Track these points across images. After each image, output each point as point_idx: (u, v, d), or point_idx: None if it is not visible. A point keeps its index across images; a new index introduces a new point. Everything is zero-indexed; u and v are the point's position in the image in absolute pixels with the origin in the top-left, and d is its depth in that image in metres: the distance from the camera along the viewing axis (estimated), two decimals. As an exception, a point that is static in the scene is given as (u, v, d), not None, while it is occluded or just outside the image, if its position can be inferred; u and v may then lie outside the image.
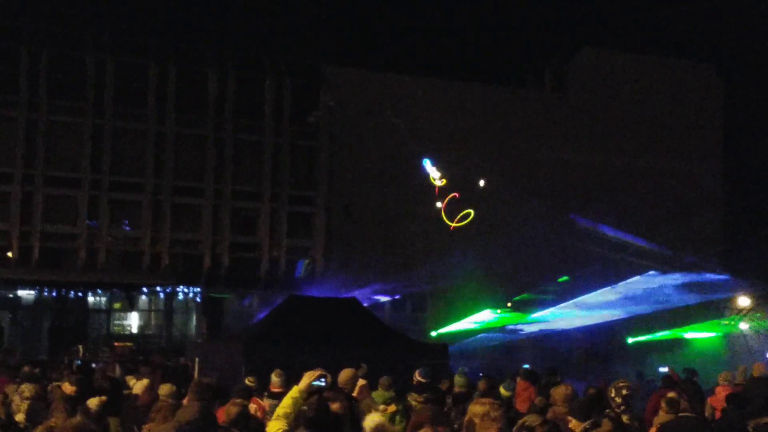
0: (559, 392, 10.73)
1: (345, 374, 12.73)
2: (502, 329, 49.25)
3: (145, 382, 15.25)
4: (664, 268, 48.61)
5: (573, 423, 9.48)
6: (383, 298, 52.26)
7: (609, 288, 46.20)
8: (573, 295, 47.52)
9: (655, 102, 60.04)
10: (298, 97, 53.45)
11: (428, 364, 16.76)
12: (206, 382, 9.83)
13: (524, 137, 56.57)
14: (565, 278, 49.39)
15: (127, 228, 49.84)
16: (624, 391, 11.03)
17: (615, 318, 46.42)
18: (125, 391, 17.22)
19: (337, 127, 54.12)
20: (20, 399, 12.46)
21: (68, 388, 13.49)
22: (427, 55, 75.28)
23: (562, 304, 47.83)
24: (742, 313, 43.09)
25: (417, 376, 15.33)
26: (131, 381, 18.25)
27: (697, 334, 44.28)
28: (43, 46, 48.46)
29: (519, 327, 49.53)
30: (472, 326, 48.32)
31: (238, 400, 11.21)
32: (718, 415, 14.66)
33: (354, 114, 53.90)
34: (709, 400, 16.94)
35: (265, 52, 54.11)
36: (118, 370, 25.02)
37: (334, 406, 9.22)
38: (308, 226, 53.81)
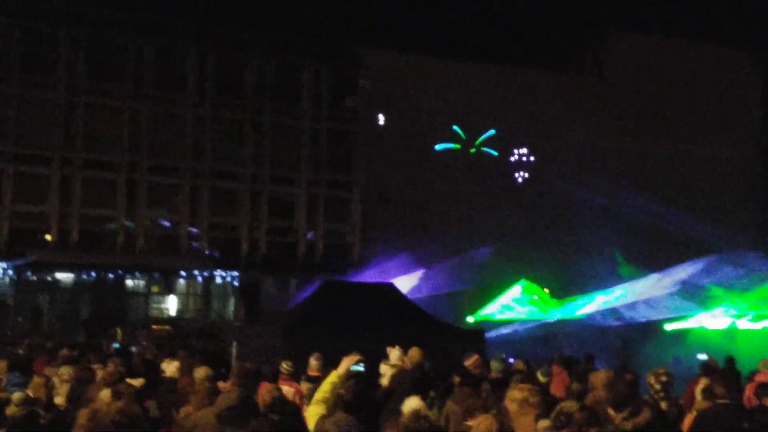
0: (600, 377, 10.68)
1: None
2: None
3: (176, 364, 15.25)
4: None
5: (611, 412, 9.44)
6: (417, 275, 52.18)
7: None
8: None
9: (693, 88, 59.41)
10: (335, 82, 53.49)
11: (468, 349, 16.59)
12: (248, 367, 9.84)
13: (562, 121, 56.31)
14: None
15: (167, 224, 50.24)
16: (663, 378, 10.97)
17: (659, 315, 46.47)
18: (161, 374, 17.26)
19: (374, 111, 54.08)
20: (59, 381, 12.54)
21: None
22: (464, 40, 74.80)
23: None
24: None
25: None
26: (165, 363, 18.31)
27: (748, 324, 44.01)
28: (82, 29, 48.69)
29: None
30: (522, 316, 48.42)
31: (273, 385, 11.25)
32: (754, 401, 14.50)
33: (392, 98, 53.86)
34: (747, 387, 16.78)
35: (303, 36, 54.11)
36: (155, 354, 25.12)
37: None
38: (345, 210, 53.86)
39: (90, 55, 48.98)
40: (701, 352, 32.70)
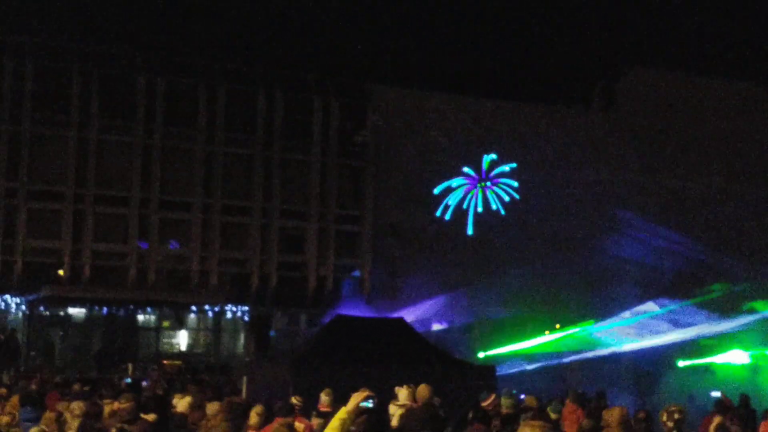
0: (614, 415, 10.62)
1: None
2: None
3: (188, 399, 15.26)
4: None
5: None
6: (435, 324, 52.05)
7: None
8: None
9: (706, 123, 58.84)
10: (345, 117, 53.64)
11: (478, 385, 16.57)
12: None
13: (571, 157, 56.16)
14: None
15: (175, 246, 50.30)
16: (676, 416, 10.92)
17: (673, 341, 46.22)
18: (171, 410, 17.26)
19: (383, 146, 54.18)
20: (71, 417, 12.55)
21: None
22: (473, 75, 75.19)
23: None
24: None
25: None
26: (176, 399, 18.32)
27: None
28: (93, 66, 49.01)
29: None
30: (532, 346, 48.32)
31: (284, 419, 11.22)
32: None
33: (400, 133, 53.95)
34: (762, 424, 16.71)
35: (312, 72, 54.38)
36: (165, 389, 25.10)
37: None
38: (355, 245, 53.86)
39: (101, 91, 49.25)
40: (721, 386, 32.48)
